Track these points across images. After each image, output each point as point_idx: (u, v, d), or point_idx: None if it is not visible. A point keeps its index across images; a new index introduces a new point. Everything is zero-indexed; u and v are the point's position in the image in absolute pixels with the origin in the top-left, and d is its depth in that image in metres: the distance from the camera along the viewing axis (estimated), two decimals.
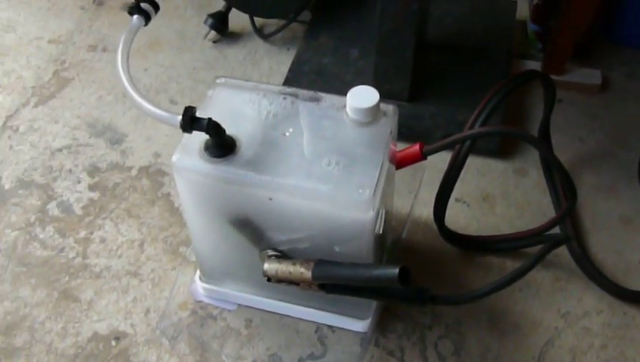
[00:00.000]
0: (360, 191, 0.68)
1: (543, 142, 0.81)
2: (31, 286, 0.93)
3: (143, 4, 0.83)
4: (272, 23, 1.25)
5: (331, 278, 0.73)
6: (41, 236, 0.98)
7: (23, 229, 0.99)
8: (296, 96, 0.78)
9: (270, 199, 0.71)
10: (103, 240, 0.97)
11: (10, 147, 1.10)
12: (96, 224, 0.99)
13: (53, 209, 1.01)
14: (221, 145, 0.71)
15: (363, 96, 0.73)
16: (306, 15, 1.25)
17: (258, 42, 1.24)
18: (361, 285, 0.73)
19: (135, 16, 0.82)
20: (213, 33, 1.23)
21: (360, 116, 0.73)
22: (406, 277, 0.67)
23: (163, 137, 1.09)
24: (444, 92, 1.10)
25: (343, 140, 0.73)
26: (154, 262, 0.94)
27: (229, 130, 0.73)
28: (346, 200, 0.68)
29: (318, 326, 0.87)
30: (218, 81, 0.80)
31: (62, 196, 1.03)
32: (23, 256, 0.96)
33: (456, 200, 1.00)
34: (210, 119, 0.70)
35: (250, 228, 0.77)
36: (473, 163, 1.04)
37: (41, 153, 1.08)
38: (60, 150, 1.09)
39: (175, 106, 1.14)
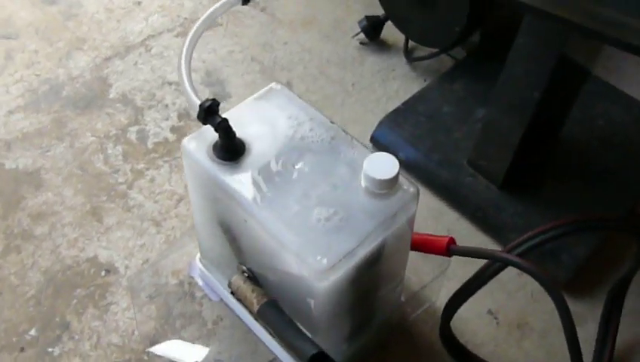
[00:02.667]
0: (318, 258, 0.63)
1: (560, 295, 0.69)
2: (75, 190, 0.99)
3: None
4: (425, 49, 1.18)
5: (268, 323, 0.70)
6: (109, 151, 1.04)
7: (99, 138, 1.06)
8: (342, 134, 0.73)
9: (245, 221, 0.68)
10: (152, 180, 1.01)
11: (135, 63, 1.17)
12: (156, 163, 1.03)
13: (132, 132, 1.06)
14: (227, 148, 0.69)
15: (381, 165, 0.66)
16: (460, 53, 1.16)
17: (401, 61, 1.18)
18: (283, 346, 0.69)
19: None
20: (362, 35, 1.19)
21: (372, 185, 0.66)
22: None
23: None
24: (547, 198, 0.97)
25: (348, 200, 0.68)
26: (179, 221, 0.96)
27: (248, 137, 0.71)
28: (303, 260, 0.63)
29: (275, 358, 0.84)
30: (274, 86, 0.78)
31: (146, 125, 1.08)
32: (85, 162, 1.03)
33: (489, 312, 0.89)
34: (223, 120, 0.68)
35: (231, 237, 0.75)
36: (532, 283, 0.92)
37: (154, 80, 1.14)
38: (170, 84, 1.14)
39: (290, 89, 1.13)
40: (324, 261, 0.62)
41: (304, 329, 0.70)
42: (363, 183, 0.67)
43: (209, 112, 0.68)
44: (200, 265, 0.89)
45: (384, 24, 1.19)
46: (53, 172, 1.01)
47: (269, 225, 0.66)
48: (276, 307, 0.70)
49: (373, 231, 0.66)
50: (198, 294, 0.89)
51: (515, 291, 0.91)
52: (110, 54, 1.18)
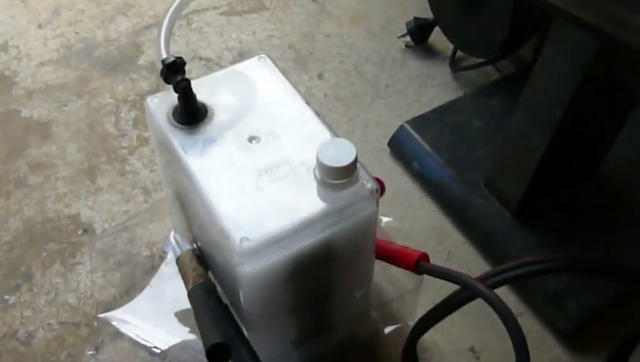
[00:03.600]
0: (244, 236, 0.56)
1: (520, 335, 0.58)
2: (79, 147, 0.98)
3: None
4: (473, 59, 1.10)
5: (192, 306, 0.64)
6: (122, 115, 1.02)
7: (116, 101, 1.04)
8: (314, 117, 0.67)
9: (189, 192, 0.63)
10: (154, 150, 0.98)
11: (173, 34, 1.15)
12: None
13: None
14: (185, 111, 0.65)
15: (337, 152, 0.59)
16: (509, 68, 1.07)
17: (445, 70, 1.10)
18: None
19: None
20: (409, 38, 1.12)
21: (323, 172, 0.59)
22: (219, 355, 0.56)
23: None
24: (567, 237, 0.86)
25: (298, 185, 0.61)
26: None
27: (214, 104, 0.66)
28: (228, 237, 0.57)
29: None
30: (260, 59, 0.72)
31: None
32: (96, 121, 1.01)
33: (471, 350, 0.79)
34: (184, 80, 0.63)
35: (184, 209, 0.70)
36: (531, 327, 0.81)
37: (186, 53, 1.11)
38: (200, 59, 1.11)
39: (320, 81, 1.07)
40: (250, 242, 0.56)
41: (241, 325, 0.64)
42: (316, 170, 0.60)
43: (171, 70, 0.64)
44: (173, 241, 0.85)
45: (433, 28, 1.11)
46: (63, 126, 1.01)
47: (205, 195, 0.60)
48: (208, 291, 0.64)
49: (317, 222, 0.59)
50: (166, 271, 0.85)
51: (506, 331, 0.80)
52: (151, 23, 1.17)
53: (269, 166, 0.62)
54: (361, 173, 0.61)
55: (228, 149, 0.63)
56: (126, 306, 0.80)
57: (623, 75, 0.74)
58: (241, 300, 0.61)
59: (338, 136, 0.64)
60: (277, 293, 0.63)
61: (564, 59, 0.72)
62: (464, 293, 0.66)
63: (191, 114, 0.65)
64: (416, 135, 0.95)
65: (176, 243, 0.83)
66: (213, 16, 1.18)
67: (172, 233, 0.85)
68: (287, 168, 0.62)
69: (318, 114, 0.67)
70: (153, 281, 0.83)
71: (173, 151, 0.64)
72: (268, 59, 0.72)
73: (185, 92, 0.64)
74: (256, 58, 0.72)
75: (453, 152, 0.93)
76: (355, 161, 0.59)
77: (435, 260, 0.81)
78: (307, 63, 1.10)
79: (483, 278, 0.66)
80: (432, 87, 1.08)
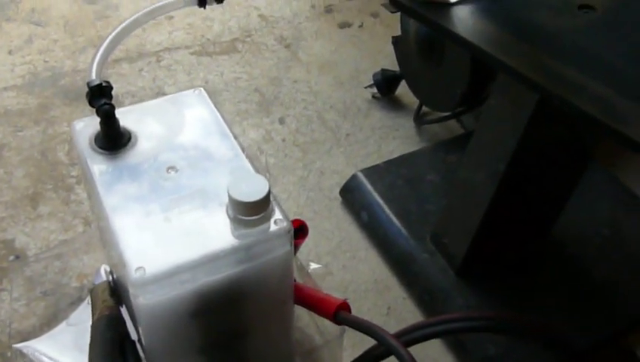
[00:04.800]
0: (142, 265, 0.54)
1: None
2: (26, 172, 0.96)
3: None
4: (438, 114, 1.08)
5: (90, 339, 0.61)
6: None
7: None
8: (240, 154, 0.65)
9: (101, 217, 0.61)
10: None
11: (141, 70, 1.15)
12: None
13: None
14: (106, 136, 0.63)
15: (249, 187, 0.57)
16: (473, 124, 1.06)
17: (409, 122, 1.08)
18: None
19: None
20: (375, 88, 1.11)
21: (234, 207, 0.57)
22: None
23: None
24: (511, 299, 0.82)
25: (209, 219, 0.59)
26: None
27: (138, 132, 0.64)
28: (125, 264, 0.54)
29: None
30: (195, 91, 0.71)
31: None
32: (49, 149, 1.00)
33: None
34: (106, 103, 0.62)
35: (102, 237, 0.68)
36: None
37: (151, 88, 1.11)
38: (164, 96, 1.11)
39: (280, 126, 1.06)
40: (146, 272, 0.53)
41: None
42: (228, 205, 0.58)
43: (96, 93, 0.63)
44: (102, 273, 0.82)
45: (399, 81, 1.10)
46: (15, 151, 0.99)
47: (111, 221, 0.58)
48: (110, 324, 0.61)
49: (223, 257, 0.56)
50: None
51: None
52: (121, 57, 1.17)
53: (182, 197, 0.60)
54: (276, 211, 0.58)
55: (144, 177, 0.61)
56: (43, 337, 0.77)
57: (564, 130, 0.73)
58: (141, 335, 0.58)
59: (259, 174, 0.62)
60: (181, 331, 0.59)
61: (507, 113, 0.70)
62: (380, 349, 0.63)
63: (112, 139, 0.63)
64: (368, 185, 0.93)
65: (104, 274, 0.81)
66: (184, 55, 1.18)
67: (103, 265, 0.82)
68: (201, 201, 0.59)
69: (243, 150, 0.65)
70: (75, 313, 0.80)
71: (89, 175, 0.62)
72: (204, 92, 0.71)
73: (106, 116, 0.62)
74: (192, 90, 0.71)
75: (404, 205, 0.91)
76: (268, 197, 0.57)
77: (374, 315, 0.79)
78: (270, 107, 1.09)
79: (401, 334, 0.63)
80: (394, 138, 1.06)
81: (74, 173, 0.97)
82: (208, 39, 1.22)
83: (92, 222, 0.90)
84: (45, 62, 1.15)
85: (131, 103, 1.07)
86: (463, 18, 0.65)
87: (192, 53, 1.19)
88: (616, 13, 0.68)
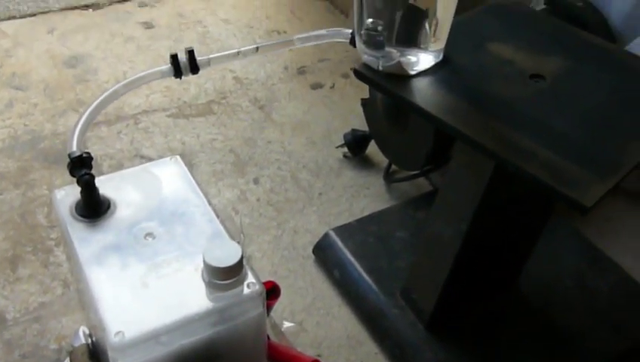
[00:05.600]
0: (121, 329, 0.56)
1: None
2: (6, 235, 0.98)
3: (183, 60, 0.82)
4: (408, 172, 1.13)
5: None
6: None
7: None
8: (214, 219, 0.68)
9: (82, 283, 0.64)
10: None
11: (119, 132, 1.19)
12: None
13: None
14: (86, 204, 0.66)
15: (223, 253, 0.60)
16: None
17: (379, 181, 1.13)
18: None
19: (168, 66, 0.81)
20: (346, 148, 1.16)
21: (209, 272, 0.60)
22: None
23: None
24: (479, 352, 0.86)
25: (185, 284, 0.61)
26: None
27: (117, 200, 0.68)
28: (105, 328, 0.57)
29: None
30: (172, 159, 0.74)
31: None
32: (28, 212, 1.02)
33: None
34: (87, 174, 0.65)
35: (81, 301, 0.70)
36: None
37: (129, 151, 1.14)
38: (142, 157, 1.14)
39: (255, 186, 1.10)
40: (125, 336, 0.56)
41: None
42: (203, 270, 0.61)
43: (77, 164, 0.66)
44: (81, 335, 0.84)
45: (369, 141, 1.15)
46: None
47: (91, 287, 0.60)
48: None
49: (199, 320, 0.59)
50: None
51: None
52: (100, 120, 1.20)
53: (159, 263, 0.62)
54: (249, 274, 0.61)
55: (123, 244, 0.64)
56: None
57: (523, 189, 0.77)
58: None
59: (233, 239, 0.65)
60: None
61: (467, 176, 0.75)
62: None
63: (92, 208, 0.66)
64: (339, 243, 0.97)
65: (82, 336, 0.82)
66: (161, 118, 1.22)
67: (82, 327, 0.84)
68: (177, 266, 0.62)
69: (218, 215, 0.68)
70: None
71: (70, 242, 0.65)
72: (179, 159, 0.74)
73: (87, 186, 0.65)
74: (168, 158, 0.75)
75: (375, 262, 0.94)
76: (241, 262, 0.60)
77: None
78: (245, 168, 1.13)
79: None
80: (364, 197, 1.10)
81: (53, 236, 0.99)
82: (185, 101, 1.26)
83: (71, 284, 0.92)
84: (25, 125, 1.18)
85: (110, 166, 1.11)
86: (423, 89, 0.69)
87: (169, 116, 1.23)
88: (564, 81, 0.73)
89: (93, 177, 0.66)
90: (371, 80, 0.70)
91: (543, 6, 1.22)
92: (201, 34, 1.47)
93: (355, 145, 1.15)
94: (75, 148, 0.69)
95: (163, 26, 1.49)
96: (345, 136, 1.16)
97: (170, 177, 0.72)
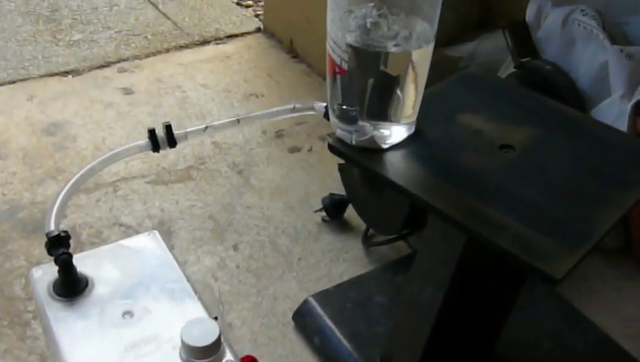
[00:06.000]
0: None
1: None
2: None
3: (160, 135, 0.84)
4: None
5: None
6: None
7: (30, 264, 1.05)
8: (192, 297, 0.68)
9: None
10: None
11: (98, 200, 1.19)
12: None
13: None
14: (64, 284, 0.66)
15: (200, 331, 0.60)
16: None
17: (357, 244, 1.14)
18: None
19: (146, 140, 0.83)
20: (324, 212, 1.17)
21: (186, 352, 0.60)
22: None
23: None
24: None
25: (164, 359, 0.62)
26: None
27: (95, 278, 0.68)
28: None
29: None
30: (149, 235, 0.75)
31: None
32: (5, 283, 1.02)
33: None
34: (64, 253, 0.66)
35: None
36: None
37: (108, 219, 1.15)
38: (120, 225, 1.14)
39: (234, 252, 1.10)
40: None
41: None
42: (181, 349, 0.61)
43: (54, 243, 0.67)
44: None
45: (347, 205, 1.16)
46: None
47: None
48: None
49: None
50: None
51: None
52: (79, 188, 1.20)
53: (136, 342, 0.62)
54: (227, 352, 0.62)
55: (100, 324, 0.64)
56: None
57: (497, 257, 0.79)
58: None
59: (213, 311, 0.66)
60: None
61: (441, 245, 0.76)
62: None
63: (70, 287, 0.66)
64: (319, 309, 0.97)
65: None
66: (140, 184, 1.23)
67: None
68: (155, 345, 0.62)
69: (195, 291, 0.69)
70: None
71: (47, 322, 0.65)
72: (157, 234, 0.75)
73: (64, 265, 0.65)
74: (146, 233, 0.75)
75: (354, 328, 0.95)
76: (219, 340, 0.60)
77: None
78: (224, 234, 1.14)
79: None
80: (343, 261, 1.11)
81: (30, 308, 0.98)
82: (164, 168, 1.27)
83: (48, 359, 0.91)
84: (4, 195, 1.18)
85: (88, 235, 1.11)
86: (395, 163, 0.71)
87: (147, 182, 1.24)
88: (533, 151, 0.76)
89: (70, 256, 0.66)
90: (345, 154, 0.72)
91: (513, 69, 1.26)
92: (180, 99, 1.49)
93: (333, 209, 1.16)
94: (52, 228, 0.69)
95: (142, 91, 1.51)
96: (323, 200, 1.17)
97: (148, 253, 0.73)
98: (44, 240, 1.08)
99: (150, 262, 0.71)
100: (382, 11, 0.66)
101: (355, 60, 0.67)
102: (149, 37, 1.75)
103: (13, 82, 1.52)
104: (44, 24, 1.78)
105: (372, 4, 0.66)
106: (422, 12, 0.69)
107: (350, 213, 1.17)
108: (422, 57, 0.69)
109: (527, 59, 1.23)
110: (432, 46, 0.70)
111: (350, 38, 0.66)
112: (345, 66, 0.68)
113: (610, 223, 0.68)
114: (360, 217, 1.12)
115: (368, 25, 0.66)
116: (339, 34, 0.67)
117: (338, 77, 0.70)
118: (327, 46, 0.70)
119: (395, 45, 0.67)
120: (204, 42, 1.75)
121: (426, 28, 0.69)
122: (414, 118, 0.75)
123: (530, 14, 1.26)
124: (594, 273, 1.14)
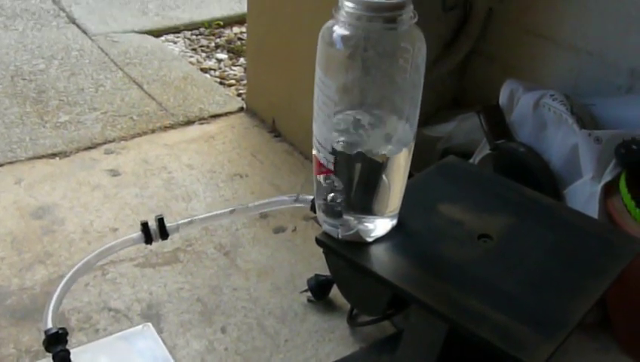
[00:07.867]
0: None
1: None
2: None
3: (153, 228, 0.87)
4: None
5: None
6: None
7: (19, 351, 1.06)
8: None
9: None
10: None
11: (87, 284, 1.21)
12: None
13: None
14: None
15: None
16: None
17: (343, 324, 1.16)
18: None
19: (139, 233, 0.86)
20: (309, 292, 1.20)
21: None
22: None
23: None
24: None
25: None
26: None
27: None
28: None
29: None
30: (144, 328, 0.77)
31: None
32: None
33: None
34: (63, 350, 0.68)
35: None
36: None
37: (97, 303, 1.16)
38: (110, 310, 1.15)
39: (223, 335, 1.12)
40: None
41: None
42: None
43: (52, 341, 0.69)
44: None
45: (332, 285, 1.19)
46: None
47: None
48: None
49: None
50: None
51: None
52: (68, 273, 1.22)
53: None
54: None
55: None
56: None
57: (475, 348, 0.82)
58: None
59: None
60: None
61: (424, 333, 0.79)
62: None
63: None
64: None
65: None
66: (128, 268, 1.25)
67: None
68: None
69: None
70: None
71: None
72: (151, 327, 0.78)
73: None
74: (140, 326, 0.78)
75: None
76: None
77: None
78: (212, 316, 1.16)
79: None
80: (329, 341, 1.13)
81: None
82: (151, 250, 1.30)
83: None
84: None
85: (77, 320, 1.12)
86: (379, 256, 0.75)
87: (135, 266, 1.26)
88: (509, 240, 0.80)
89: (68, 353, 0.69)
90: (332, 248, 0.76)
91: (489, 151, 1.32)
92: (166, 180, 1.53)
93: (319, 289, 1.19)
94: (50, 325, 0.71)
95: (129, 173, 1.55)
96: (308, 281, 1.20)
97: (142, 346, 0.75)
98: (34, 327, 1.09)
99: (145, 355, 0.74)
100: (365, 116, 0.71)
101: (340, 163, 0.71)
102: (135, 117, 1.80)
103: (1, 165, 1.55)
104: (31, 106, 1.82)
105: (355, 110, 0.72)
106: (402, 113, 0.75)
107: (335, 292, 1.20)
108: (403, 157, 0.74)
109: (502, 141, 1.29)
110: (412, 145, 0.75)
111: (335, 143, 0.71)
112: (330, 167, 0.72)
113: (585, 310, 0.72)
114: (344, 298, 1.15)
115: (351, 130, 0.71)
116: (324, 137, 0.72)
117: (323, 176, 0.74)
118: (314, 145, 0.74)
119: (378, 149, 0.72)
120: (189, 122, 1.80)
121: (406, 129, 0.74)
122: (397, 211, 0.80)
123: (503, 98, 1.33)
124: (573, 347, 1.17)
